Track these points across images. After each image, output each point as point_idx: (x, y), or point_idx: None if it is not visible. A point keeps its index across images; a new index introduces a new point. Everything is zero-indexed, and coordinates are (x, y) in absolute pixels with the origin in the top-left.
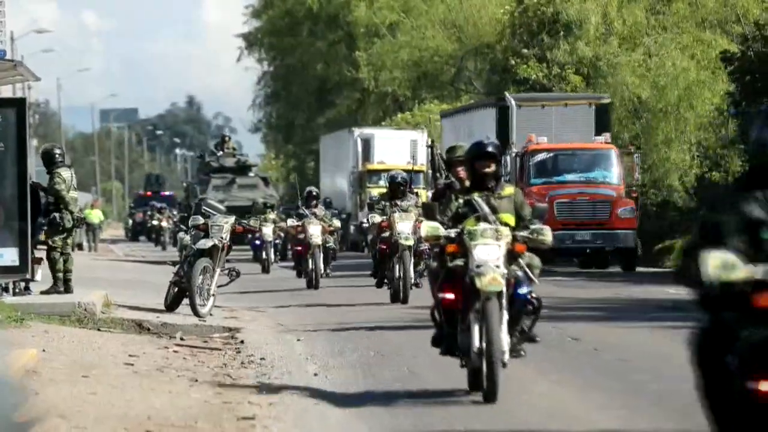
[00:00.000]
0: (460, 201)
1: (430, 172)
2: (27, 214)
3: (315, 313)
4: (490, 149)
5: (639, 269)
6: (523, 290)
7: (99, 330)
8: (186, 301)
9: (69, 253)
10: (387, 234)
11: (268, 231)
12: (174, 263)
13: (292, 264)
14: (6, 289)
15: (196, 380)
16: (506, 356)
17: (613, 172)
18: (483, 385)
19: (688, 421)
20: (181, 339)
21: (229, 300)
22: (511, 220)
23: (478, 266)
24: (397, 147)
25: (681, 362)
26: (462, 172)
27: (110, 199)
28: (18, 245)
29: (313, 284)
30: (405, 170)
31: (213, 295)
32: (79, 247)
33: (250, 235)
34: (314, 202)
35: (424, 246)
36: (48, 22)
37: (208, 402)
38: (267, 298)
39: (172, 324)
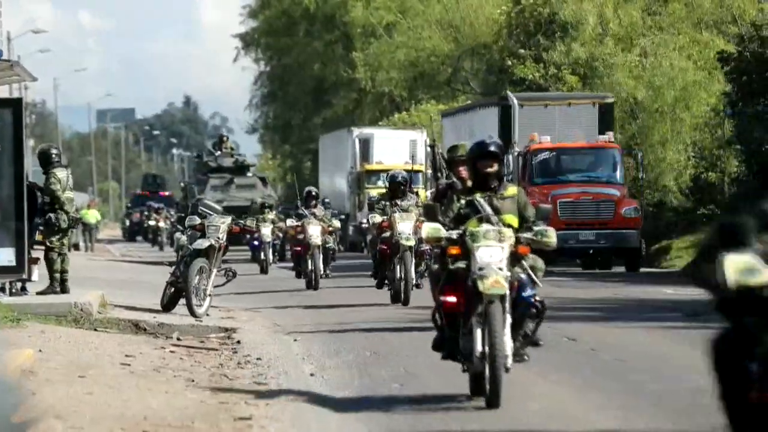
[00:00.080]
0: (462, 202)
1: (429, 171)
2: (24, 215)
3: (313, 314)
4: (492, 149)
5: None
6: (526, 293)
7: (95, 330)
8: (183, 301)
9: (65, 254)
10: (387, 234)
11: (266, 231)
12: (170, 263)
13: (290, 265)
14: (2, 290)
15: (193, 380)
16: (509, 361)
17: (617, 172)
18: (485, 390)
19: (686, 421)
20: (178, 339)
21: (228, 301)
22: (514, 221)
23: (480, 269)
24: (396, 147)
25: (679, 362)
26: (464, 171)
27: (107, 200)
28: (15, 245)
29: (312, 285)
30: (404, 170)
31: (209, 295)
32: (76, 247)
33: (248, 236)
34: (313, 202)
35: (425, 246)
36: (44, 22)
37: (204, 402)
38: (266, 299)
39: (169, 324)
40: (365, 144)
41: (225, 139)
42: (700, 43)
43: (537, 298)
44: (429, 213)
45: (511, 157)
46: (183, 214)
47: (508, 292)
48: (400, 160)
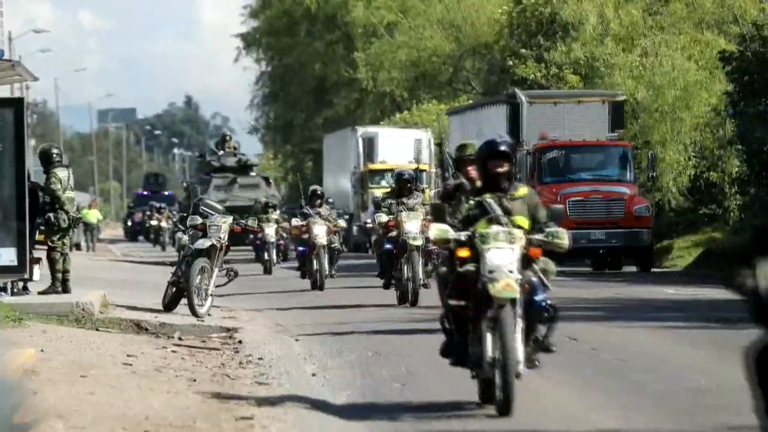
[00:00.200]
0: (471, 202)
1: (434, 170)
2: (25, 214)
3: (316, 314)
4: (503, 148)
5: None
6: (538, 297)
7: (97, 330)
8: (184, 301)
9: (66, 253)
10: (394, 233)
11: (270, 231)
12: (172, 263)
13: (293, 265)
14: (4, 289)
15: (195, 380)
16: (521, 367)
17: (628, 170)
18: (496, 397)
19: (687, 420)
20: (180, 339)
21: (232, 301)
22: (524, 222)
23: (490, 271)
24: (400, 146)
25: (680, 362)
26: (473, 171)
27: (108, 199)
28: (16, 245)
29: (317, 285)
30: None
31: (211, 295)
32: (77, 247)
33: (251, 236)
34: (318, 201)
35: (433, 246)
36: (45, 22)
37: (206, 402)
38: (271, 299)
39: (171, 324)
40: (369, 143)
41: (228, 138)
42: (701, 43)
43: (549, 302)
44: (437, 214)
45: (519, 155)
46: (185, 214)
47: (519, 296)
48: (405, 159)
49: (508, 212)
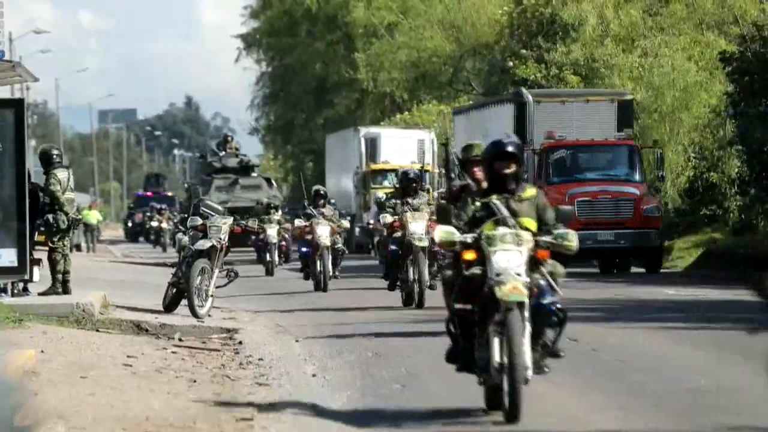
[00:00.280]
0: (477, 204)
1: (436, 171)
2: (25, 215)
3: (318, 315)
4: (510, 149)
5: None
6: (546, 300)
7: (97, 331)
8: (184, 302)
9: (67, 254)
10: (399, 234)
11: (272, 232)
12: (172, 264)
13: (295, 266)
14: (4, 290)
15: (195, 381)
16: (530, 372)
17: (636, 169)
18: (504, 403)
19: (687, 421)
20: (180, 340)
21: (233, 302)
22: (532, 224)
23: (497, 274)
24: (403, 146)
25: (680, 363)
26: (479, 172)
27: (108, 200)
28: (16, 246)
29: (321, 287)
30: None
31: (211, 296)
32: (78, 248)
33: (253, 237)
34: (322, 201)
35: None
36: (45, 22)
37: (206, 403)
38: (273, 301)
39: (171, 325)
40: (372, 143)
41: (230, 139)
42: (702, 43)
43: (558, 306)
44: (442, 215)
45: (526, 155)
46: (186, 215)
47: (527, 299)
48: (407, 159)
49: (515, 214)
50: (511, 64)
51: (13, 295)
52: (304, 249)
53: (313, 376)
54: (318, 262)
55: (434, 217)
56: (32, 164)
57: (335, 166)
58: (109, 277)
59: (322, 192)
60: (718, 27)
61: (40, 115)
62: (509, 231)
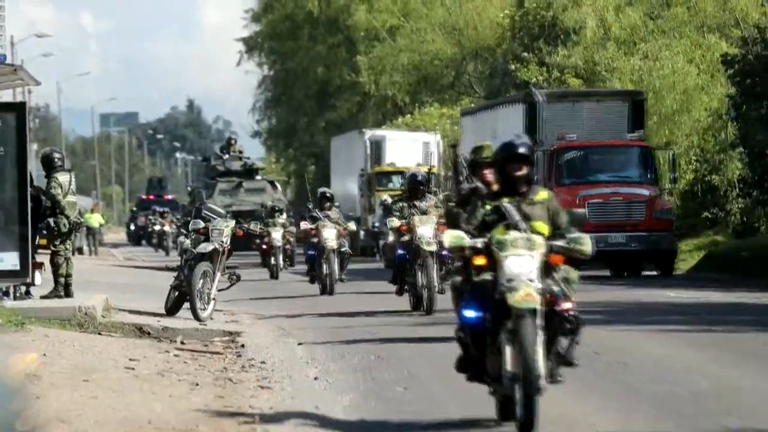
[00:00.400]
0: (488, 207)
1: (443, 173)
2: (27, 219)
3: (323, 319)
4: (522, 150)
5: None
6: (560, 307)
7: (99, 334)
8: (186, 305)
9: (69, 257)
10: (407, 238)
11: (276, 236)
12: (175, 268)
13: (300, 270)
14: (6, 293)
15: (197, 384)
16: (543, 381)
17: (649, 171)
18: (517, 415)
19: (687, 423)
20: (182, 343)
21: (238, 306)
22: (544, 228)
23: (509, 280)
24: (408, 149)
25: (680, 365)
26: (489, 175)
27: (111, 204)
28: (18, 249)
29: (327, 290)
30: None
31: (213, 299)
32: (80, 251)
33: (258, 240)
34: (328, 204)
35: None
36: (45, 24)
37: (208, 406)
38: (277, 304)
39: (173, 328)
40: (377, 146)
41: (233, 142)
42: (703, 46)
43: (572, 313)
44: (452, 220)
45: (536, 156)
46: (188, 218)
47: (540, 306)
48: (412, 162)
49: (527, 217)
50: (512, 67)
51: (15, 298)
52: (310, 252)
53: (315, 379)
54: (324, 266)
55: (443, 221)
56: (34, 168)
57: (340, 168)
58: (112, 281)
59: (328, 194)
60: (719, 30)
61: (42, 118)
62: (521, 235)
